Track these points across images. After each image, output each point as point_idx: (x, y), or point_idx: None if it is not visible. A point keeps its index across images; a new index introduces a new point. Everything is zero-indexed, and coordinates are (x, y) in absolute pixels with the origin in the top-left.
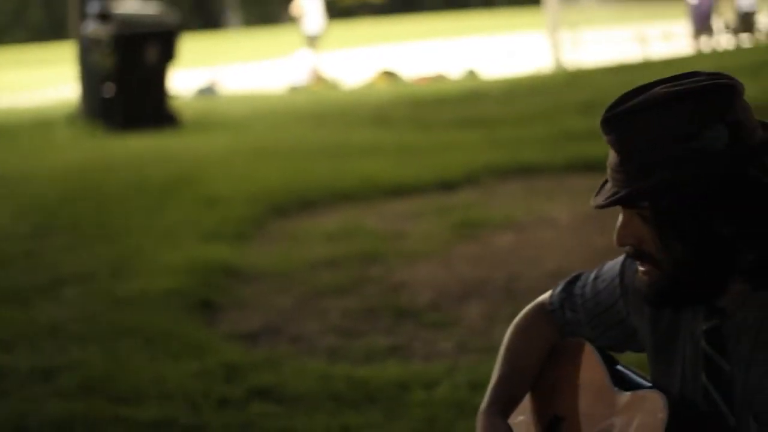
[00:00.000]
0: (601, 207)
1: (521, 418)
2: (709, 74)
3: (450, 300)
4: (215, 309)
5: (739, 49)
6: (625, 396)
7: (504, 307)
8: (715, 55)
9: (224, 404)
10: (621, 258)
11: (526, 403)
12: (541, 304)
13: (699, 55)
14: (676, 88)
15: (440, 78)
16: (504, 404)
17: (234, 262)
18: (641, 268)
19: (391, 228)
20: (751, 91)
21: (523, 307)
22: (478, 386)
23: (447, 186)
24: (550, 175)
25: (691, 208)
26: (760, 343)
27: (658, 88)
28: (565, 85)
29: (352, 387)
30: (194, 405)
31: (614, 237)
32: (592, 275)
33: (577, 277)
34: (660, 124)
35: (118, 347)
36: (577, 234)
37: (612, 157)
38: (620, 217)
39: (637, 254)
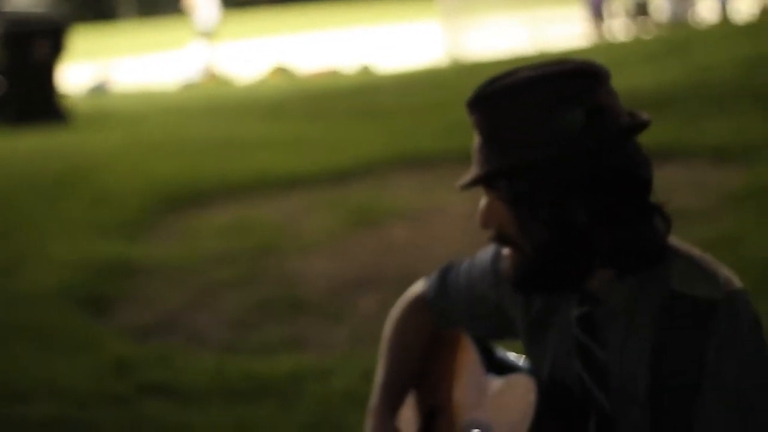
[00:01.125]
0: (463, 188)
1: (408, 412)
2: (577, 60)
3: (344, 291)
4: (108, 305)
5: (632, 37)
6: (499, 381)
7: (398, 298)
8: (610, 42)
9: (116, 401)
10: (494, 246)
11: (411, 396)
12: (417, 295)
13: (594, 43)
14: (539, 72)
15: (335, 73)
16: (392, 400)
17: (127, 257)
18: (505, 252)
19: (286, 220)
20: (644, 80)
21: None
22: (372, 377)
23: (342, 178)
24: (445, 166)
25: (547, 190)
26: (632, 328)
27: (523, 71)
28: (460, 75)
29: (246, 380)
30: (85, 402)
31: (477, 219)
32: (466, 264)
33: (450, 266)
34: (520, 105)
35: (8, 345)
36: (470, 223)
37: (476, 138)
38: (483, 200)
39: (499, 237)
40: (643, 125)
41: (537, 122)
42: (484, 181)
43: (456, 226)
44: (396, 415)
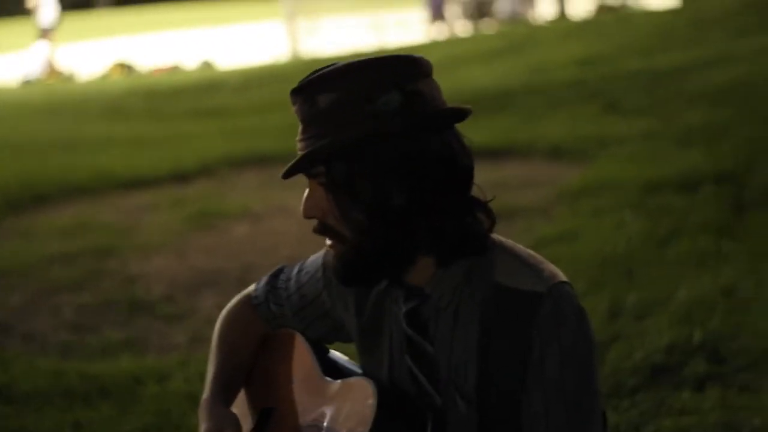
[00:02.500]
0: (284, 176)
1: (242, 410)
2: (399, 53)
3: (184, 292)
4: None
5: (473, 36)
6: (336, 384)
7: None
8: (450, 42)
9: None
10: (324, 250)
11: (240, 395)
12: (247, 297)
13: (433, 43)
14: (359, 60)
15: (176, 69)
16: (223, 393)
17: None
18: (328, 242)
19: (126, 221)
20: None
21: None
22: None
23: (182, 177)
24: (286, 165)
25: (364, 172)
26: (459, 321)
27: (345, 61)
28: (302, 74)
29: (84, 382)
30: None
31: (301, 210)
32: (296, 268)
33: (281, 270)
34: (338, 90)
35: None
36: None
37: (299, 128)
38: (306, 191)
39: (321, 228)
40: (462, 113)
41: (353, 105)
42: (303, 165)
43: (297, 226)
44: (229, 407)
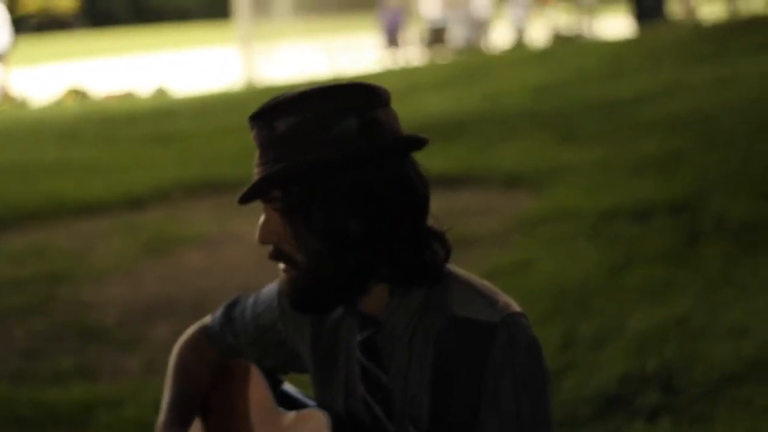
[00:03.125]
0: (240, 201)
1: None
2: (358, 81)
3: (138, 319)
4: None
5: (428, 64)
6: (290, 416)
7: (191, 325)
8: (405, 69)
9: None
10: (279, 279)
11: (196, 424)
12: (204, 327)
13: (388, 70)
14: (316, 87)
15: (130, 95)
16: (179, 418)
17: None
18: (281, 267)
19: (80, 247)
20: (438, 107)
21: None
22: None
23: (136, 203)
24: (241, 192)
25: (320, 198)
26: (414, 351)
27: (303, 87)
28: (256, 100)
29: (36, 410)
30: None
31: (256, 236)
32: (252, 298)
33: (237, 301)
34: (295, 115)
35: None
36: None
37: (256, 153)
38: (262, 216)
39: (276, 254)
40: (419, 141)
41: (310, 130)
42: (259, 190)
43: (251, 254)
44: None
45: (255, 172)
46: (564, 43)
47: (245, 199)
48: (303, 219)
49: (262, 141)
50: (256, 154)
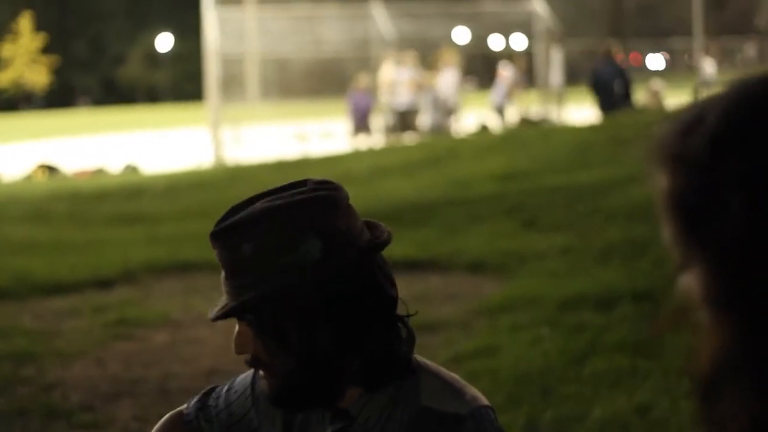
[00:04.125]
0: (214, 320)
1: None
2: (315, 183)
3: (102, 400)
4: None
5: (395, 148)
6: None
7: (157, 407)
8: (372, 152)
9: None
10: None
11: None
12: (179, 414)
13: (356, 153)
14: (274, 203)
15: (100, 173)
16: None
17: None
18: (261, 373)
19: (46, 326)
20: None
21: (176, 407)
22: None
23: (104, 283)
24: (209, 273)
25: (290, 319)
26: None
27: (260, 202)
28: (226, 182)
29: None
30: None
31: (233, 346)
32: (227, 386)
33: (212, 389)
34: (258, 239)
35: None
36: (233, 333)
37: (222, 270)
38: (236, 327)
39: (253, 362)
40: (381, 245)
41: (275, 254)
42: (232, 315)
43: (217, 335)
44: None
45: (224, 290)
46: (530, 128)
47: (218, 319)
48: (275, 338)
49: (227, 262)
50: (222, 272)
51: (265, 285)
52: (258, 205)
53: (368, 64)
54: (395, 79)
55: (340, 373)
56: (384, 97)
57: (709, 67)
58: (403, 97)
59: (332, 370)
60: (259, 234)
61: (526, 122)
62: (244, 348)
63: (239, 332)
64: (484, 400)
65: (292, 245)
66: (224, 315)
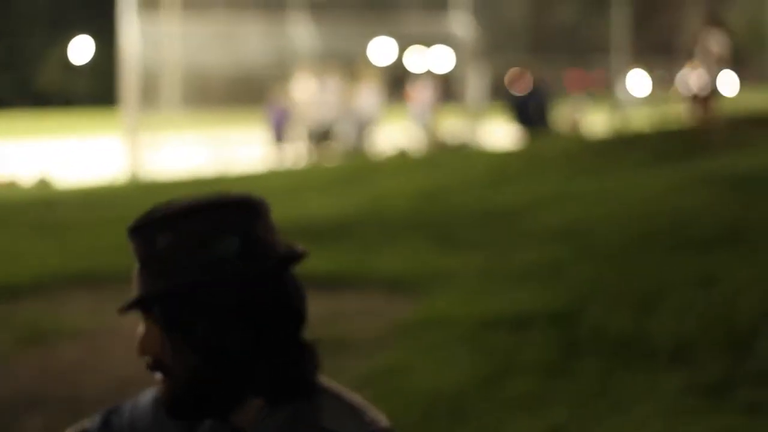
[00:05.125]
0: (121, 312)
1: None
2: (236, 194)
3: (10, 412)
4: None
5: (313, 165)
6: None
7: (67, 420)
8: (290, 170)
9: None
10: (157, 387)
11: None
12: (82, 430)
13: (274, 168)
14: (196, 203)
15: (12, 185)
16: None
17: None
18: (158, 378)
19: None
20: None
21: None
22: None
23: (13, 294)
24: (119, 285)
25: (199, 316)
26: None
27: (182, 201)
28: (141, 192)
29: None
30: None
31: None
32: (131, 404)
33: (116, 408)
34: (174, 233)
35: None
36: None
37: (135, 265)
38: (141, 326)
39: (154, 365)
40: (297, 257)
41: (190, 249)
42: (138, 304)
43: (127, 348)
44: None
45: (135, 283)
46: (449, 149)
47: (126, 310)
48: (181, 335)
49: (141, 255)
50: (136, 266)
51: (176, 278)
52: (179, 202)
53: (287, 75)
54: (314, 94)
55: (242, 380)
56: (301, 113)
57: (633, 86)
58: (322, 113)
59: (234, 373)
60: (176, 228)
61: (444, 141)
62: (149, 348)
63: (145, 330)
64: (383, 423)
65: (208, 242)
66: (133, 305)
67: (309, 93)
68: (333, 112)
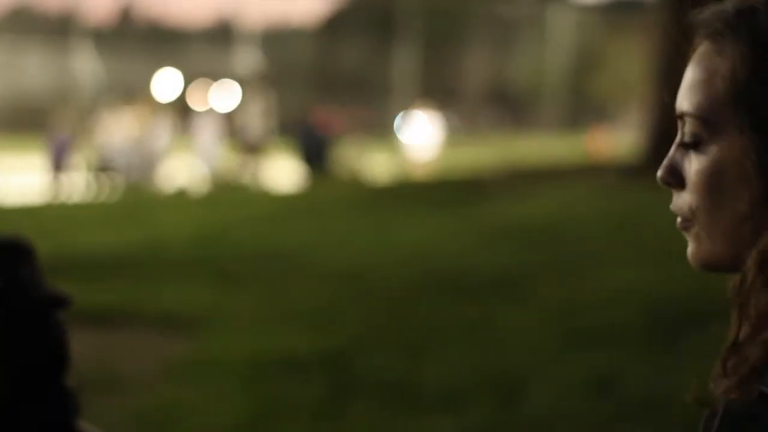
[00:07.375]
0: None
1: None
2: (1, 236)
3: None
4: None
5: (90, 199)
6: None
7: None
8: (67, 203)
9: None
10: None
11: None
12: None
13: (50, 204)
14: None
15: None
16: None
17: None
18: None
19: None
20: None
21: None
22: None
23: None
24: None
25: None
26: None
27: None
28: None
29: None
30: None
31: None
32: None
33: None
34: None
35: None
36: None
37: None
38: None
39: None
40: (61, 302)
41: None
42: None
43: None
44: None
45: None
46: (231, 187)
47: None
48: None
49: None
50: None
51: None
52: None
53: (68, 103)
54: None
55: (5, 425)
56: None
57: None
58: (107, 141)
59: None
60: None
61: (227, 178)
62: None
63: None
64: None
65: None
66: None
67: (101, 126)
68: (118, 142)
